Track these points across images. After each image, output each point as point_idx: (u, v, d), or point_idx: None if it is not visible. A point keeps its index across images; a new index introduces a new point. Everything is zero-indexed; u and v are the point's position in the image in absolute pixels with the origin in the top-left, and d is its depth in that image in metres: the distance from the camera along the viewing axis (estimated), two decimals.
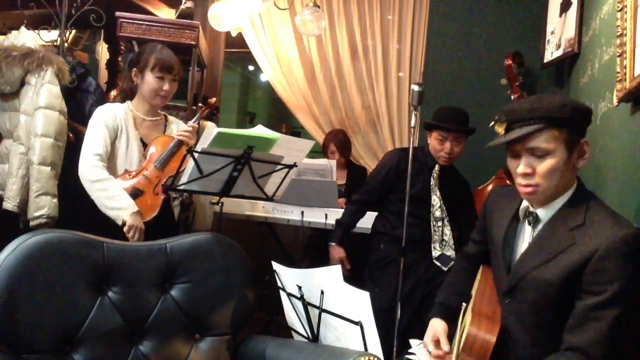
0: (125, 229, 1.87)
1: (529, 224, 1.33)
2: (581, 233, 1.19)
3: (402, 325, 2.18)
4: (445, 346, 1.41)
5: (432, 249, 2.34)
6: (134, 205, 1.91)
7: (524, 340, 1.29)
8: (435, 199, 2.34)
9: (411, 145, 2.21)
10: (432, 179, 2.35)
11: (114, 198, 1.91)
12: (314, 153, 3.73)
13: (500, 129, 1.25)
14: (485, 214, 1.53)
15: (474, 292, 1.51)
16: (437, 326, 1.49)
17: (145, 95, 2.10)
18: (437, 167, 2.35)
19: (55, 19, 2.79)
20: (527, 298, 1.27)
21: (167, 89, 2.08)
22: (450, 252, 2.34)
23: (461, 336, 1.39)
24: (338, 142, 3.29)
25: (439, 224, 2.35)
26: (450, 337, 1.49)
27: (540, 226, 1.30)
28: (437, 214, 2.35)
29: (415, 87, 2.17)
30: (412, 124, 2.24)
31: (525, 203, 1.35)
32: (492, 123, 1.28)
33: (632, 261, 1.13)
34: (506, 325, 1.33)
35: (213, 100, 2.14)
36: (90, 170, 1.96)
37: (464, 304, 1.54)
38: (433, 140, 2.33)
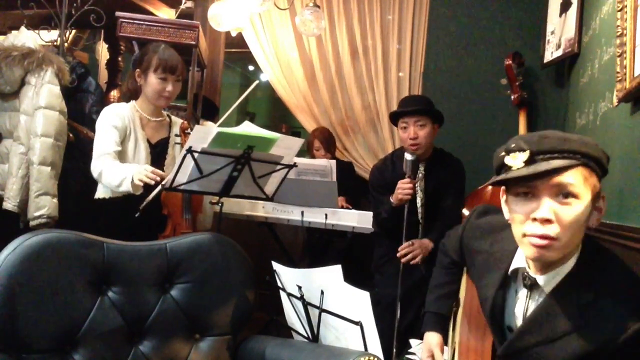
0: (139, 183, 1.85)
1: (525, 287, 1.12)
2: (593, 313, 1.01)
3: (404, 325, 2.18)
4: None
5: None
6: (130, 172, 1.87)
7: None
8: (418, 200, 2.30)
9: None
10: (417, 179, 2.27)
11: (114, 178, 1.90)
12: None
13: (517, 160, 1.01)
14: (462, 249, 1.39)
15: (461, 296, 1.48)
16: (431, 340, 1.45)
17: (148, 96, 2.10)
18: (422, 168, 2.30)
19: (55, 19, 2.79)
20: None
21: (170, 89, 2.08)
22: None
23: (453, 351, 1.38)
24: (323, 138, 3.30)
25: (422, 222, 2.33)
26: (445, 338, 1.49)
27: (540, 296, 1.10)
28: (420, 212, 2.31)
29: (409, 157, 2.13)
30: None
31: (517, 262, 1.14)
32: (502, 153, 1.04)
33: None
34: None
35: (185, 124, 2.14)
36: (93, 172, 1.99)
37: (454, 307, 1.53)
38: (400, 132, 2.31)
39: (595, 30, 2.28)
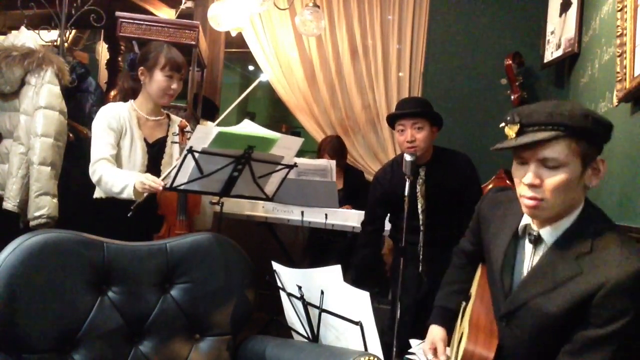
0: (141, 191, 1.90)
1: (530, 242, 1.23)
2: (588, 262, 1.10)
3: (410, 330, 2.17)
4: (442, 356, 1.40)
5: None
6: (132, 180, 1.91)
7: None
8: (419, 206, 2.24)
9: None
10: (417, 185, 2.22)
11: (115, 185, 1.93)
12: (313, 153, 3.73)
13: (511, 131, 1.12)
14: (479, 219, 1.45)
15: (473, 292, 1.50)
16: (435, 334, 1.47)
17: (152, 94, 2.11)
18: (422, 173, 2.24)
19: (55, 19, 2.79)
20: (525, 325, 1.20)
21: (175, 87, 2.10)
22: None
23: (460, 338, 1.38)
24: (332, 151, 3.25)
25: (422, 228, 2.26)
26: (450, 333, 1.49)
27: (543, 248, 1.20)
28: (421, 219, 2.25)
29: (408, 157, 2.05)
30: None
31: (525, 220, 1.25)
32: (503, 123, 1.16)
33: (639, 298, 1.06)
34: (503, 344, 1.26)
35: (183, 123, 2.14)
36: (92, 177, 2.01)
37: (463, 302, 1.54)
38: (397, 135, 2.24)
39: (595, 30, 2.28)
